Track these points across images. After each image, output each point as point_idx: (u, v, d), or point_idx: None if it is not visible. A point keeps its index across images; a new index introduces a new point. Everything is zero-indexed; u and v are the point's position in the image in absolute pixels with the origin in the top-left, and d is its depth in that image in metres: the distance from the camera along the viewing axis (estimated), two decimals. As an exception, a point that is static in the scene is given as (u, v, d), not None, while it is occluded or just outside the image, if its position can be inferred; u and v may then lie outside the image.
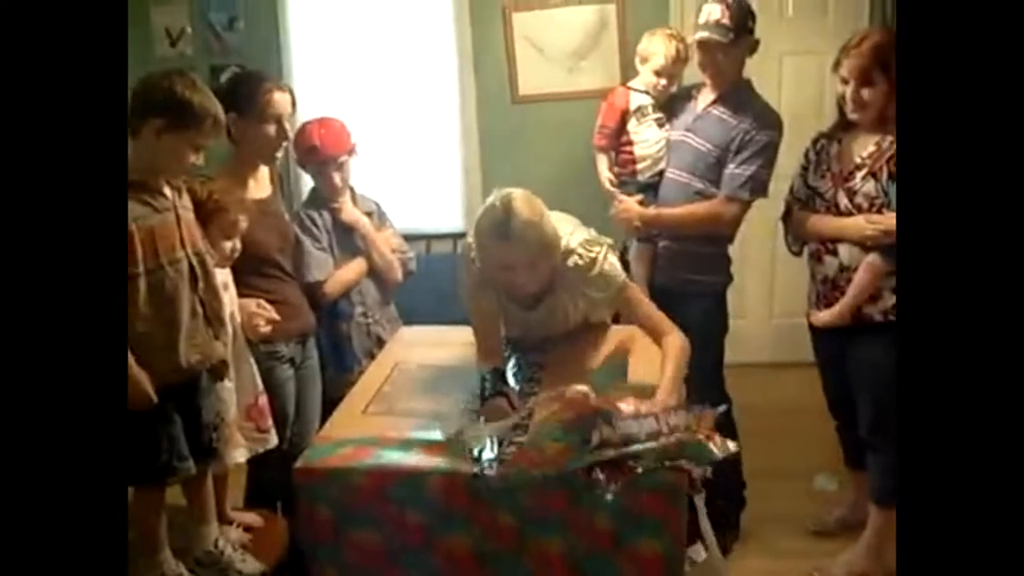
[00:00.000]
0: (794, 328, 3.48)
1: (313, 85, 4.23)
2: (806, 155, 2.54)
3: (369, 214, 2.73)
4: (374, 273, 2.69)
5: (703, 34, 2.53)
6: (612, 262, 2.09)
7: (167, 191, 1.82)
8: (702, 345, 2.73)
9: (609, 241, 2.15)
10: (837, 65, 2.37)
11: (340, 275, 2.60)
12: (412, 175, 4.34)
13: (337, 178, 2.60)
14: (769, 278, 4.33)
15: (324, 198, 2.63)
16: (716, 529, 1.74)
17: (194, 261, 1.85)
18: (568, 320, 2.24)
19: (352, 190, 2.71)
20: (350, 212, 2.63)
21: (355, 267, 2.64)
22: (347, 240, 2.64)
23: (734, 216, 2.62)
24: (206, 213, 1.98)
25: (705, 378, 2.76)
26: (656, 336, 2.08)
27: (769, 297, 4.39)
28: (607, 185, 2.81)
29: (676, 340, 2.05)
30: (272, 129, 2.29)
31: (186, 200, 1.90)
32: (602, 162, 2.83)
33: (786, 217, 2.61)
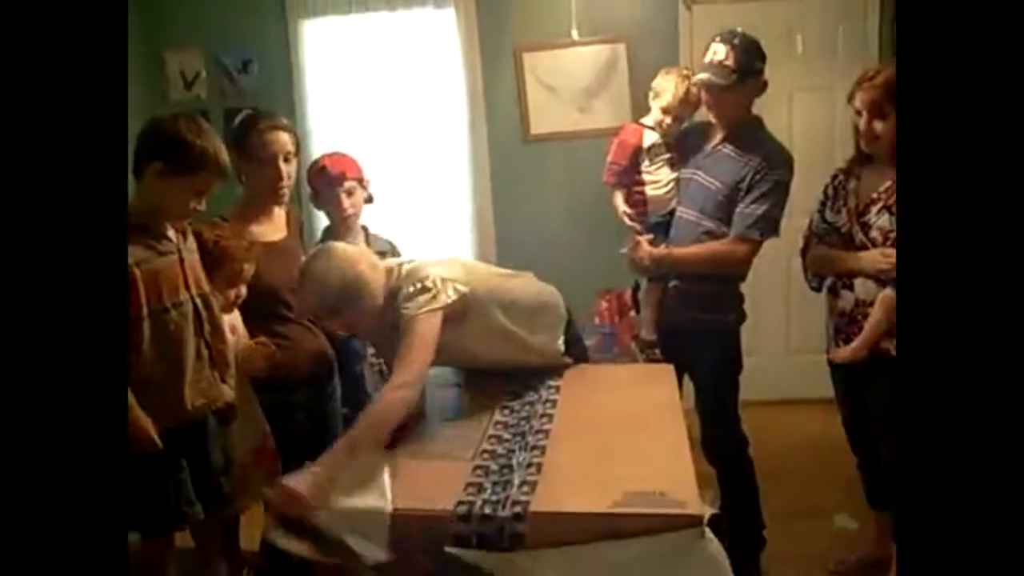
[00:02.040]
0: (810, 364, 3.45)
1: (327, 127, 4.27)
2: (824, 190, 2.53)
3: (383, 254, 2.68)
4: None
5: (704, 75, 2.54)
6: (420, 302, 2.04)
7: (171, 234, 1.82)
8: (716, 383, 2.73)
9: (436, 285, 2.08)
10: (851, 98, 2.37)
11: None
12: (424, 215, 4.36)
13: (346, 202, 2.59)
14: (784, 314, 4.30)
15: (337, 234, 2.63)
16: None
17: (199, 303, 1.84)
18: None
19: (366, 230, 2.71)
20: None
21: None
22: None
23: (745, 256, 2.60)
24: (211, 260, 1.98)
25: (720, 417, 2.73)
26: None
27: (785, 334, 4.36)
28: (627, 221, 2.79)
29: (384, 397, 1.94)
30: (270, 168, 2.27)
31: (191, 242, 1.90)
32: (619, 197, 2.82)
33: (804, 252, 2.59)
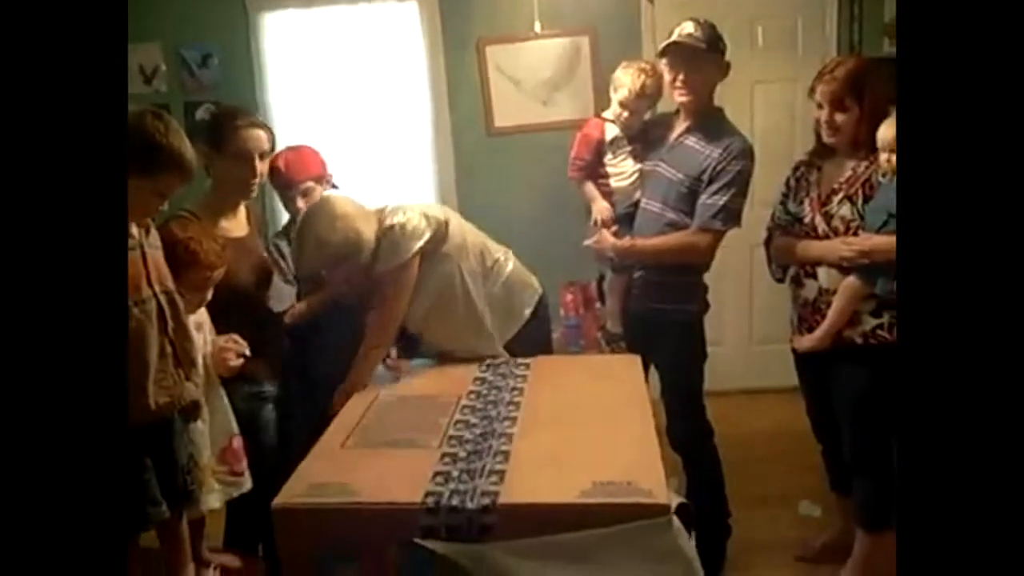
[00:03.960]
0: (773, 354, 3.49)
1: (289, 120, 4.24)
2: (786, 182, 2.56)
3: None
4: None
5: (676, 39, 2.55)
6: (400, 246, 2.27)
7: (133, 230, 1.78)
8: (681, 373, 2.75)
9: (415, 220, 2.31)
10: (812, 91, 2.40)
11: (300, 306, 2.58)
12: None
13: (301, 203, 2.56)
14: (747, 304, 4.35)
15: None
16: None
17: (162, 300, 1.80)
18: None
19: None
20: None
21: (316, 300, 2.62)
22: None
23: (708, 246, 2.61)
24: (180, 262, 1.94)
25: (685, 406, 2.76)
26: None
27: (748, 324, 4.41)
28: (603, 215, 2.76)
29: (362, 354, 2.32)
30: (245, 166, 2.26)
31: (154, 237, 1.85)
32: (591, 187, 2.80)
33: (768, 243, 2.62)
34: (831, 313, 2.38)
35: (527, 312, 2.59)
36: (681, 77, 2.58)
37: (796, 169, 2.55)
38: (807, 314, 2.48)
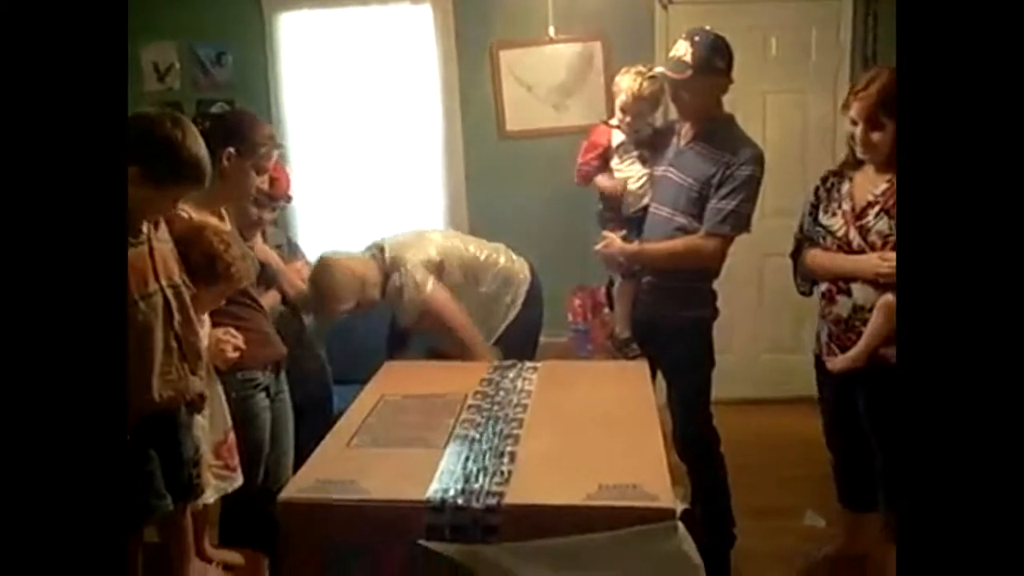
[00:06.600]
0: (781, 363, 3.48)
1: (301, 120, 4.25)
2: (816, 192, 2.48)
3: (279, 247, 2.88)
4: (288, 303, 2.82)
5: (660, 69, 2.60)
6: (415, 290, 2.65)
7: (143, 226, 1.77)
8: (688, 379, 2.74)
9: (416, 273, 2.66)
10: (846, 107, 2.32)
11: None
12: (398, 210, 4.35)
13: (269, 216, 2.80)
14: (756, 313, 4.33)
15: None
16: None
17: (169, 294, 1.79)
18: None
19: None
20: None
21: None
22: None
23: (716, 251, 2.60)
24: (212, 275, 1.95)
25: (692, 413, 2.75)
26: None
27: (756, 332, 4.38)
28: (616, 189, 2.77)
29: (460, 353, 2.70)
30: (261, 179, 2.34)
31: (163, 232, 1.84)
32: (603, 178, 2.80)
33: (796, 255, 2.55)
34: (867, 332, 2.29)
35: (519, 303, 2.87)
36: (672, 97, 2.64)
37: (825, 180, 2.47)
38: (839, 332, 2.38)
